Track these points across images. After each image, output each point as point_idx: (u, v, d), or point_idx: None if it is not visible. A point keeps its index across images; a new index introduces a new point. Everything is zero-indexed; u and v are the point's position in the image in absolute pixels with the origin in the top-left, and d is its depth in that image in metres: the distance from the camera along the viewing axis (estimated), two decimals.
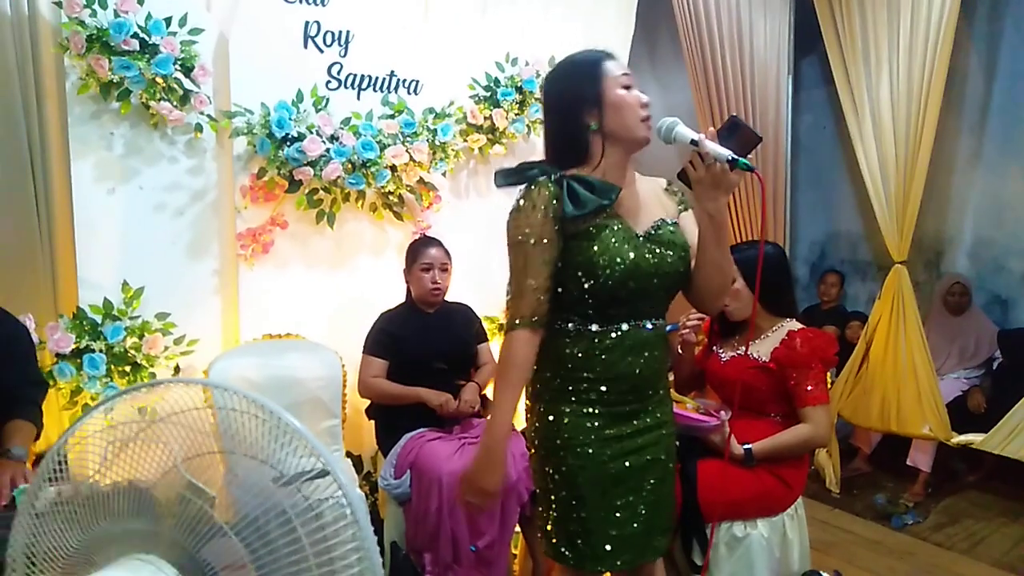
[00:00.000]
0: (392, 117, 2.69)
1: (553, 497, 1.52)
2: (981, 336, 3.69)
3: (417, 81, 2.80)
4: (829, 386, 2.08)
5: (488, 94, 2.90)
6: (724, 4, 3.45)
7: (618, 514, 1.49)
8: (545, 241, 1.41)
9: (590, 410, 1.48)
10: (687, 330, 2.21)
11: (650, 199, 1.56)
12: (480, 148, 2.92)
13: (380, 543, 2.45)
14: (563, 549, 1.52)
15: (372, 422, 2.58)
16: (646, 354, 1.50)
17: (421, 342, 2.47)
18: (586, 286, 1.44)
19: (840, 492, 3.47)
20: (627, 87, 1.47)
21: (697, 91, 3.52)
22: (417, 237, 2.70)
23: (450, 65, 2.87)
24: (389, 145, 2.63)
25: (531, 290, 1.41)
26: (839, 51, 3.46)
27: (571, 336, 1.49)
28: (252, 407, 1.66)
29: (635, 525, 1.51)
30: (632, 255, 1.44)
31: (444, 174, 2.83)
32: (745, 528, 1.98)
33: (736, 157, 1.33)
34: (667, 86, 4.54)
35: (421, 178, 2.76)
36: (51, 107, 2.33)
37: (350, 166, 2.57)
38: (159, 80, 2.27)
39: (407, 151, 2.66)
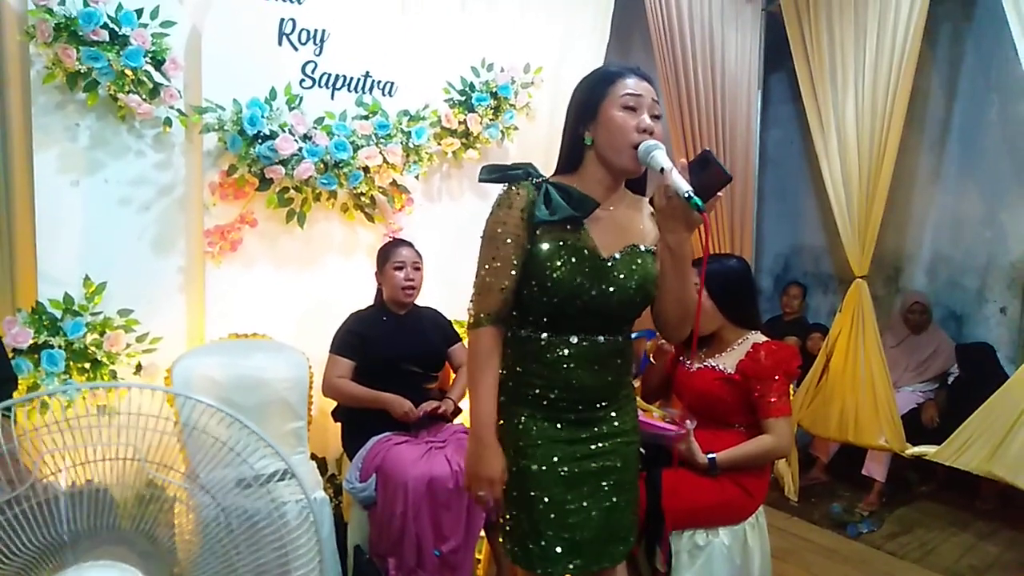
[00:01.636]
0: (366, 118, 2.68)
1: (507, 496, 1.54)
2: (938, 351, 3.79)
3: (392, 83, 2.79)
4: (791, 397, 2.12)
5: (463, 99, 2.91)
6: (697, 18, 3.51)
7: (570, 519, 1.49)
8: (516, 241, 1.43)
9: (541, 414, 1.50)
10: (663, 340, 2.24)
11: (632, 222, 1.52)
12: (454, 152, 2.93)
13: (344, 547, 2.45)
14: (515, 548, 1.53)
15: (338, 424, 2.56)
16: (597, 367, 1.49)
17: (390, 344, 2.46)
18: (537, 297, 1.45)
19: (798, 500, 3.54)
20: (630, 108, 1.41)
21: (669, 102, 3.57)
22: (388, 240, 2.69)
23: (425, 68, 2.87)
24: (362, 146, 2.62)
25: (497, 287, 1.44)
26: (807, 69, 3.53)
27: (523, 341, 1.51)
28: (215, 415, 1.65)
29: (587, 531, 1.51)
30: (585, 278, 1.43)
31: (417, 177, 2.82)
32: (707, 536, 2.00)
33: (691, 195, 1.26)
34: None
35: (394, 180, 2.75)
36: (14, 96, 2.27)
37: (322, 166, 2.55)
38: (128, 72, 2.23)
39: (380, 153, 2.65)
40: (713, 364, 2.15)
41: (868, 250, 3.32)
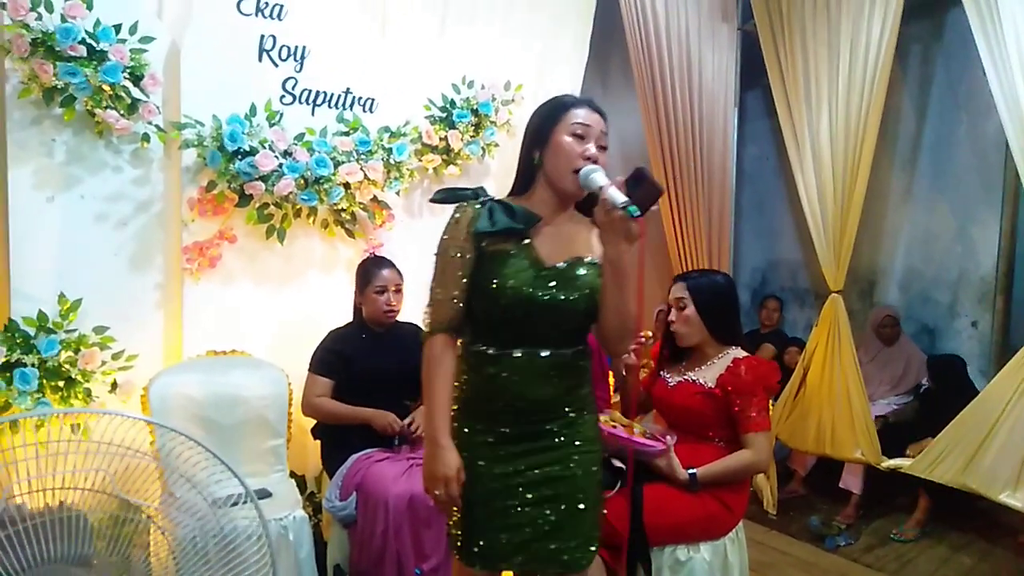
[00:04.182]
0: (347, 134, 2.68)
1: None
2: (910, 363, 3.86)
3: (373, 99, 2.80)
4: (770, 412, 2.14)
5: (444, 115, 2.92)
6: (674, 36, 3.56)
7: (512, 520, 1.53)
8: (463, 255, 1.52)
9: (486, 424, 1.56)
10: (626, 354, 2.26)
11: (579, 236, 1.58)
12: (434, 168, 2.94)
13: (323, 566, 2.42)
14: (460, 545, 1.58)
15: (317, 442, 2.53)
16: (540, 382, 1.53)
17: (370, 361, 2.44)
18: (483, 307, 1.53)
19: (777, 514, 3.56)
20: (577, 135, 1.50)
21: (647, 119, 3.61)
22: (368, 256, 2.68)
23: (406, 85, 2.88)
24: (343, 162, 2.62)
25: (448, 299, 1.53)
26: (782, 87, 3.60)
27: (471, 355, 1.57)
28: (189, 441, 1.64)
29: (531, 531, 1.54)
30: (528, 286, 1.49)
31: (398, 193, 2.83)
32: (688, 552, 2.01)
33: (627, 204, 1.34)
34: (618, 112, 4.63)
35: (375, 196, 2.75)
36: None
37: (303, 182, 2.55)
38: (106, 88, 2.21)
39: (361, 169, 2.65)
40: (693, 378, 2.17)
41: (843, 265, 3.37)
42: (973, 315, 3.91)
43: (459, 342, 1.59)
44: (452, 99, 2.95)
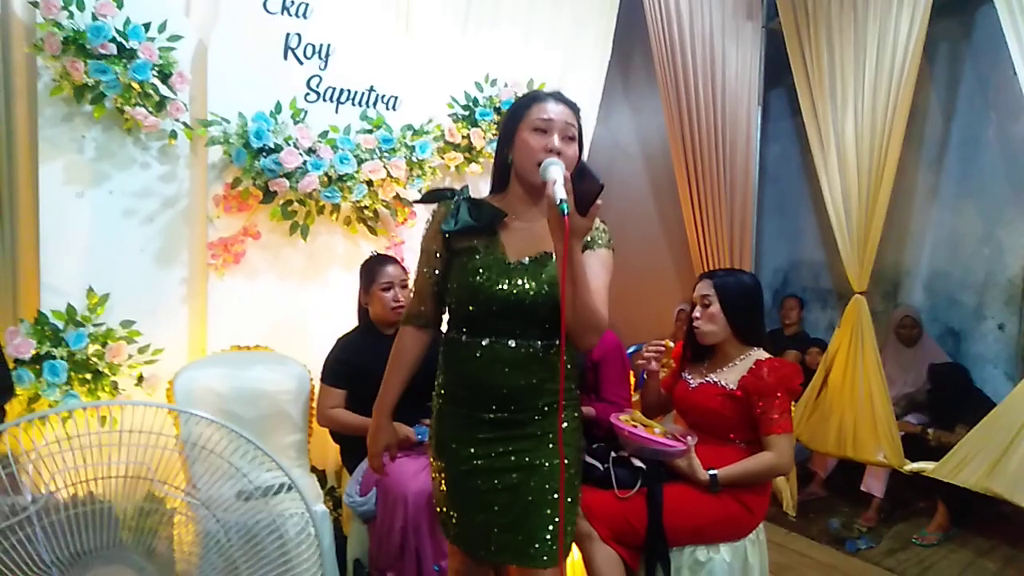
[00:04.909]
0: (370, 132, 2.70)
1: (438, 476, 1.69)
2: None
3: (396, 97, 2.81)
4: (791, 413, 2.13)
5: (466, 113, 2.93)
6: (698, 34, 3.54)
7: (477, 502, 1.59)
8: (433, 251, 1.63)
9: (461, 409, 1.61)
10: (643, 360, 2.25)
11: (550, 234, 1.56)
12: (457, 166, 2.95)
13: (343, 561, 2.44)
14: (442, 520, 1.70)
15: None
16: (507, 370, 1.55)
17: (382, 368, 2.42)
18: (452, 299, 1.62)
19: (797, 515, 3.54)
20: (540, 130, 1.51)
21: (670, 117, 3.60)
22: (371, 256, 2.64)
23: (429, 83, 2.89)
24: (366, 160, 2.64)
25: (417, 294, 1.67)
26: (807, 85, 3.56)
27: (449, 343, 1.65)
28: (217, 429, 1.66)
29: (493, 515, 1.57)
30: (485, 277, 1.54)
31: (420, 191, 2.83)
32: (708, 553, 2.00)
33: (561, 201, 1.33)
34: (640, 110, 4.63)
35: (397, 194, 2.76)
36: (20, 107, 2.29)
37: (326, 179, 2.57)
38: (135, 85, 2.25)
39: (384, 167, 2.66)
40: (715, 379, 2.16)
41: (867, 266, 3.33)
42: (1000, 318, 3.85)
43: (445, 329, 1.68)
44: (475, 97, 2.95)
